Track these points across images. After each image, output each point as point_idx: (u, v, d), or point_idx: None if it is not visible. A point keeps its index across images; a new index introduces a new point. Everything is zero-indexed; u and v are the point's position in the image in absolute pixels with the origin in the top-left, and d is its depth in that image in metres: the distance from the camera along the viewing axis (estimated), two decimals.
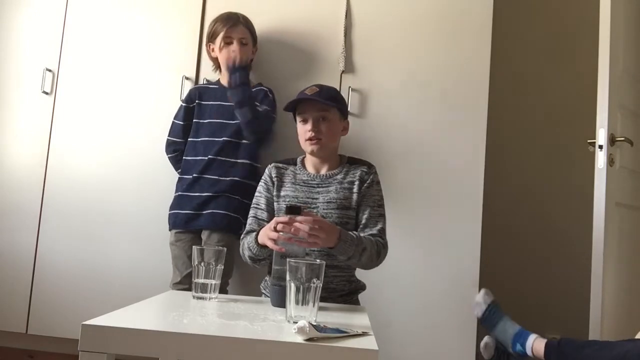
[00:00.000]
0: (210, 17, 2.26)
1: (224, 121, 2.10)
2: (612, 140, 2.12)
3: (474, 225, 2.18)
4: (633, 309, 2.27)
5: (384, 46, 2.29)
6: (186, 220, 2.08)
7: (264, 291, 1.76)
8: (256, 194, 1.76)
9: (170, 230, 2.14)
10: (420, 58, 2.28)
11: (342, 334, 1.06)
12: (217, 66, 2.22)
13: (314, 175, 1.72)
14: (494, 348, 1.82)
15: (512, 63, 2.87)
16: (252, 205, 1.75)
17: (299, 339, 1.00)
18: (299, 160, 1.78)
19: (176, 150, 2.21)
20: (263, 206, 1.72)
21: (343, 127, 1.77)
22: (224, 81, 2.16)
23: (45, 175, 2.34)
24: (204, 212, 2.05)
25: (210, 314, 1.23)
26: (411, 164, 2.23)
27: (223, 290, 1.59)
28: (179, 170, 2.19)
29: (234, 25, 2.14)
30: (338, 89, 2.17)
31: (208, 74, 2.30)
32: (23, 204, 2.33)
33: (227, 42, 2.13)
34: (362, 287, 1.74)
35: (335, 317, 1.29)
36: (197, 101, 2.19)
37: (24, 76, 2.40)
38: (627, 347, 1.49)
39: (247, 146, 2.11)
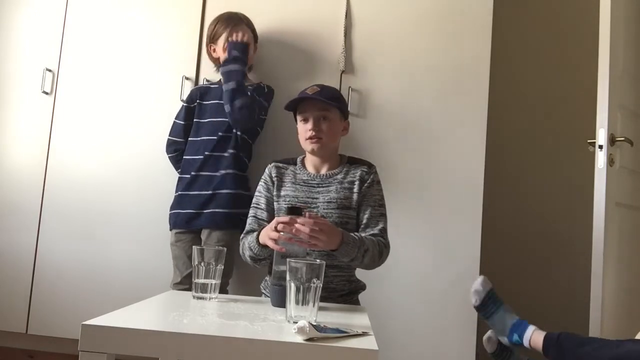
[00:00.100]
0: (210, 17, 2.26)
1: (223, 119, 2.11)
2: (612, 140, 2.12)
3: (474, 225, 2.18)
4: (633, 309, 2.27)
5: (384, 46, 2.30)
6: (187, 219, 2.09)
7: (264, 291, 1.76)
8: (256, 193, 1.76)
9: (170, 230, 2.15)
10: (420, 58, 2.28)
11: (342, 334, 1.06)
12: (218, 66, 2.22)
13: (314, 175, 1.72)
14: (497, 342, 1.81)
15: (512, 63, 2.87)
16: (252, 205, 1.75)
17: (299, 339, 1.00)
18: (299, 160, 1.78)
19: (177, 150, 2.21)
20: (263, 206, 1.72)
21: (343, 127, 1.77)
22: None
23: (45, 175, 2.34)
24: (205, 211, 2.06)
25: (210, 314, 1.23)
26: (411, 163, 2.24)
27: (223, 290, 1.60)
28: (179, 170, 2.19)
29: (237, 25, 2.14)
30: (338, 89, 2.17)
31: (208, 74, 2.30)
32: (23, 204, 2.33)
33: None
34: (362, 287, 1.74)
35: (335, 317, 1.29)
36: (198, 101, 2.19)
37: (24, 76, 2.40)
38: (627, 347, 1.49)
39: (234, 138, 2.10)
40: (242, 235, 1.71)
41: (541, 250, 2.79)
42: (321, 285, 1.18)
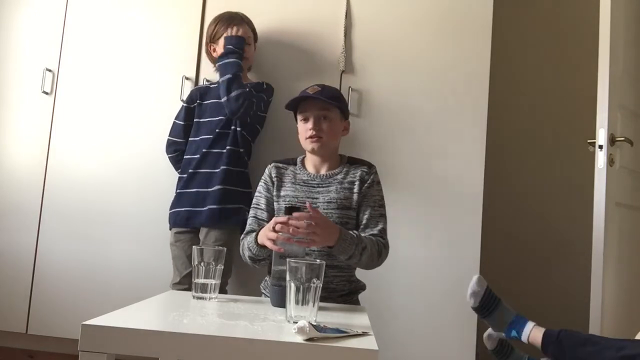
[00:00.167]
0: (210, 17, 2.26)
1: (222, 117, 2.10)
2: (612, 140, 2.12)
3: (474, 225, 2.18)
4: (633, 309, 2.27)
5: (384, 46, 2.30)
6: (187, 217, 2.09)
7: (264, 291, 1.76)
8: (256, 193, 1.76)
9: (170, 229, 2.15)
10: (420, 58, 2.28)
11: (342, 334, 1.06)
12: None
13: (314, 175, 1.72)
14: (497, 339, 1.80)
15: (512, 63, 2.87)
16: (252, 205, 1.75)
17: (299, 339, 1.00)
18: (299, 160, 1.78)
19: (177, 151, 2.21)
20: (263, 206, 1.72)
21: (344, 127, 1.77)
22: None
23: (45, 175, 2.34)
24: (203, 208, 2.06)
25: (210, 314, 1.23)
26: (411, 164, 2.23)
27: (222, 290, 1.60)
28: (179, 170, 2.19)
29: (238, 24, 2.15)
30: (338, 89, 2.17)
31: (208, 74, 2.30)
32: (23, 204, 2.33)
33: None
34: (362, 287, 1.74)
35: (335, 317, 1.29)
36: (197, 101, 2.19)
37: (24, 76, 2.40)
38: (630, 351, 1.47)
39: (232, 134, 2.10)
40: (242, 235, 1.71)
41: (541, 250, 2.79)
42: (321, 285, 1.18)
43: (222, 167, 2.06)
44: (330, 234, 1.47)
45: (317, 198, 1.67)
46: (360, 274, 1.74)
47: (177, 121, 2.22)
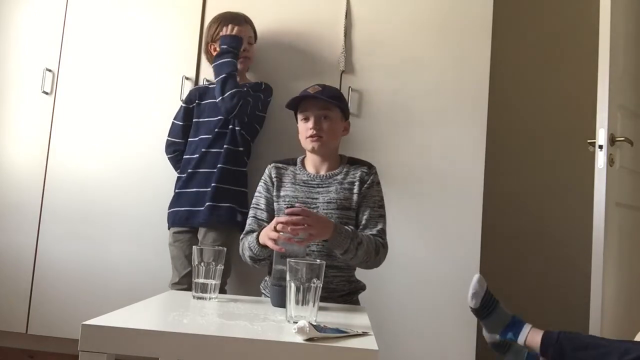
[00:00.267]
0: (210, 17, 2.26)
1: (220, 117, 2.10)
2: (612, 140, 2.12)
3: (474, 225, 2.18)
4: (633, 309, 2.27)
5: (384, 46, 2.30)
6: (187, 217, 2.09)
7: (263, 291, 1.76)
8: (256, 194, 1.76)
9: (169, 228, 2.15)
10: (421, 58, 2.28)
11: (342, 334, 1.06)
12: None
13: (314, 175, 1.72)
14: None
15: (512, 63, 2.87)
16: (251, 206, 1.75)
17: (299, 339, 1.00)
18: (299, 160, 1.78)
19: (176, 151, 2.21)
20: (263, 206, 1.72)
21: (344, 127, 1.77)
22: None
23: (45, 175, 2.34)
24: (203, 208, 2.05)
25: (210, 314, 1.23)
26: (411, 164, 2.23)
27: (221, 290, 1.60)
28: (179, 170, 2.19)
29: (237, 24, 2.15)
30: (338, 89, 2.17)
31: (208, 74, 2.30)
32: (23, 204, 2.33)
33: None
34: (362, 287, 1.74)
35: (335, 317, 1.29)
36: (196, 101, 2.19)
37: (24, 76, 2.40)
38: (634, 354, 1.45)
39: (230, 133, 2.09)
40: (242, 235, 1.71)
41: (541, 250, 2.79)
42: (321, 285, 1.18)
43: (219, 166, 2.06)
44: (325, 228, 1.48)
45: (316, 198, 1.67)
46: (360, 274, 1.74)
47: (175, 121, 2.22)
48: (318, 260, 1.18)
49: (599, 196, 2.09)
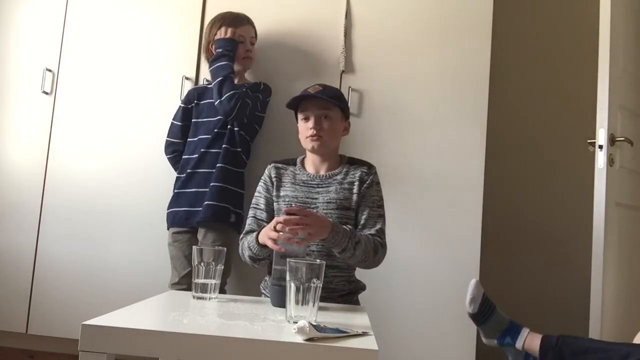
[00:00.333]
0: (210, 17, 2.26)
1: (219, 117, 2.10)
2: (612, 140, 2.12)
3: (474, 225, 2.18)
4: (633, 309, 2.27)
5: (384, 46, 2.30)
6: (186, 217, 2.09)
7: (263, 291, 1.76)
8: (256, 194, 1.76)
9: (168, 228, 2.15)
10: (420, 58, 2.28)
11: (342, 334, 1.06)
12: None
13: (313, 175, 1.72)
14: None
15: (512, 63, 2.87)
16: (251, 206, 1.75)
17: (299, 339, 1.00)
18: (298, 160, 1.78)
19: (175, 151, 2.21)
20: (262, 206, 1.72)
21: (344, 127, 1.76)
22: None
23: (45, 175, 2.34)
24: (201, 208, 2.05)
25: (210, 314, 1.23)
26: (411, 164, 2.23)
27: (221, 290, 1.60)
28: (178, 170, 2.19)
29: (243, 24, 2.16)
30: (338, 89, 2.17)
31: (208, 74, 2.30)
32: (23, 204, 2.33)
33: (240, 40, 2.16)
34: (362, 287, 1.74)
35: (335, 317, 1.29)
36: (195, 101, 2.19)
37: (24, 76, 2.40)
38: (631, 354, 1.44)
39: (229, 133, 2.09)
40: (242, 235, 1.71)
41: (541, 250, 2.79)
42: (321, 285, 1.18)
43: (218, 165, 2.06)
44: (323, 227, 1.48)
45: (316, 198, 1.67)
46: (360, 274, 1.74)
47: (174, 122, 2.22)
48: (318, 260, 1.18)
49: (599, 196, 2.09)
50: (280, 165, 1.77)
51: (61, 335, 2.24)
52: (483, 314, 1.76)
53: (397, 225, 2.11)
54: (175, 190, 2.14)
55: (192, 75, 2.33)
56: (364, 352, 0.98)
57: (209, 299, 1.40)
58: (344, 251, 1.53)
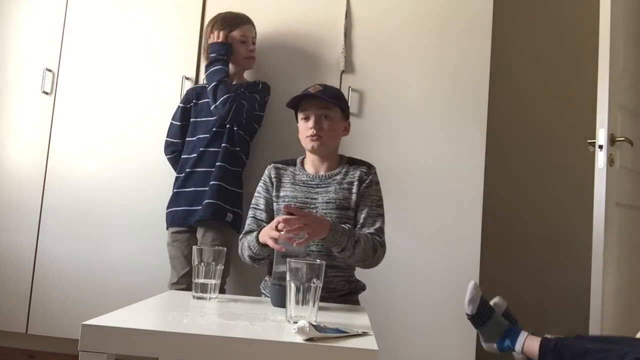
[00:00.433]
0: (210, 17, 2.26)
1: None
2: (612, 140, 2.12)
3: (474, 224, 2.18)
4: (633, 309, 2.27)
5: (384, 46, 2.30)
6: (185, 217, 2.08)
7: (263, 291, 1.76)
8: (255, 194, 1.76)
9: (167, 228, 2.15)
10: (420, 58, 2.28)
11: (342, 334, 1.06)
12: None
13: (313, 175, 1.72)
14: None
15: (512, 63, 2.87)
16: (251, 206, 1.75)
17: (299, 339, 1.00)
18: (298, 160, 1.78)
19: (174, 151, 2.21)
20: (262, 207, 1.72)
21: (344, 127, 1.76)
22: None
23: (45, 175, 2.34)
24: (200, 207, 2.05)
25: (210, 314, 1.23)
26: (411, 164, 2.24)
27: (220, 290, 1.60)
28: (177, 170, 2.19)
29: (244, 24, 2.15)
30: (339, 88, 2.17)
31: None
32: (23, 204, 2.33)
33: (243, 40, 2.16)
34: (362, 287, 1.74)
35: (335, 317, 1.29)
36: (193, 101, 2.19)
37: (24, 76, 2.40)
38: (629, 353, 1.44)
39: (228, 132, 2.09)
40: (241, 235, 1.71)
41: (541, 250, 2.79)
42: (321, 285, 1.18)
43: (217, 164, 2.06)
44: (322, 226, 1.48)
45: (316, 198, 1.67)
46: (360, 274, 1.74)
47: (173, 122, 2.22)
48: (318, 260, 1.18)
49: (599, 196, 2.09)
50: (280, 165, 1.77)
51: (61, 335, 2.24)
52: (481, 315, 1.76)
53: (397, 225, 2.11)
54: (175, 190, 2.14)
55: (192, 75, 2.33)
56: (364, 352, 0.98)
57: (209, 299, 1.40)
58: (343, 250, 1.53)
